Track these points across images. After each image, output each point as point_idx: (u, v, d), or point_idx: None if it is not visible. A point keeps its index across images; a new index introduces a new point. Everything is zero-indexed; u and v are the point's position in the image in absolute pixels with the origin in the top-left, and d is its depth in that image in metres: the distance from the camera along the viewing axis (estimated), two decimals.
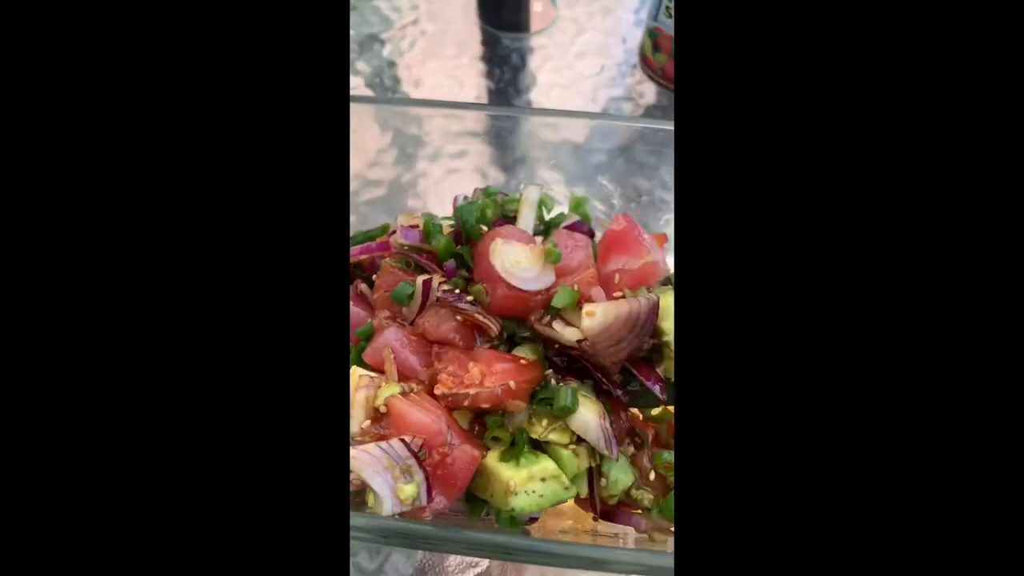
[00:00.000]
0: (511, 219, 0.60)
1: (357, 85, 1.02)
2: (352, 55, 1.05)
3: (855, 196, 0.28)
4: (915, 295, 0.28)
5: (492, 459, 0.49)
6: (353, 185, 0.76)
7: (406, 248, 0.58)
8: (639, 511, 0.54)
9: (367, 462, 0.44)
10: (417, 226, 0.60)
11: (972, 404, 0.28)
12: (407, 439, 0.46)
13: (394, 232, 0.61)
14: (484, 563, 0.65)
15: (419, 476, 0.45)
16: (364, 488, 0.45)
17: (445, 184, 0.75)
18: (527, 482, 0.48)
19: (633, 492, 0.54)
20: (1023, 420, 0.27)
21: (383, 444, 0.45)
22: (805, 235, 0.29)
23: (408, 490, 0.44)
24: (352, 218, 0.73)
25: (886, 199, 0.28)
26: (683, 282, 0.29)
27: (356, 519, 0.44)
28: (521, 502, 0.48)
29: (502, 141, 0.75)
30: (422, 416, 0.47)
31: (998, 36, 0.27)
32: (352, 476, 0.45)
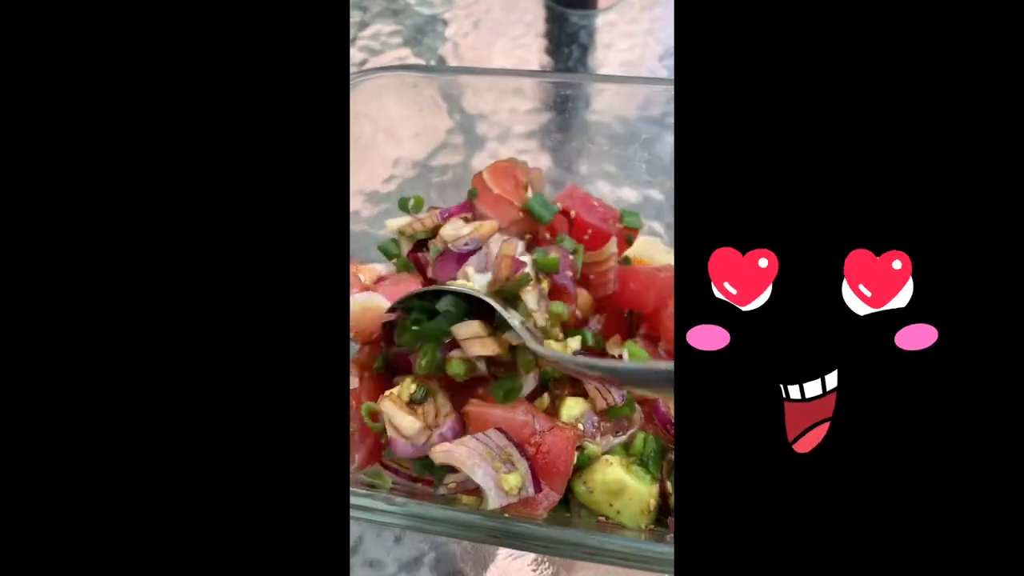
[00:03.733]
0: None
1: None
2: (415, 36, 1.04)
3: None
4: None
5: (622, 473, 0.46)
6: (420, 169, 0.75)
7: None
8: None
9: (465, 455, 0.41)
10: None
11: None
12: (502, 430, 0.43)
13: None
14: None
15: (522, 465, 0.42)
16: (460, 490, 0.43)
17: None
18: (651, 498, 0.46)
19: None
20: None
21: (478, 435, 0.42)
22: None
23: (512, 480, 0.41)
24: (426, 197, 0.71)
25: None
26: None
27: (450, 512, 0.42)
28: (651, 519, 0.46)
29: (570, 118, 0.72)
30: (503, 412, 0.44)
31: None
32: (447, 479, 0.42)
